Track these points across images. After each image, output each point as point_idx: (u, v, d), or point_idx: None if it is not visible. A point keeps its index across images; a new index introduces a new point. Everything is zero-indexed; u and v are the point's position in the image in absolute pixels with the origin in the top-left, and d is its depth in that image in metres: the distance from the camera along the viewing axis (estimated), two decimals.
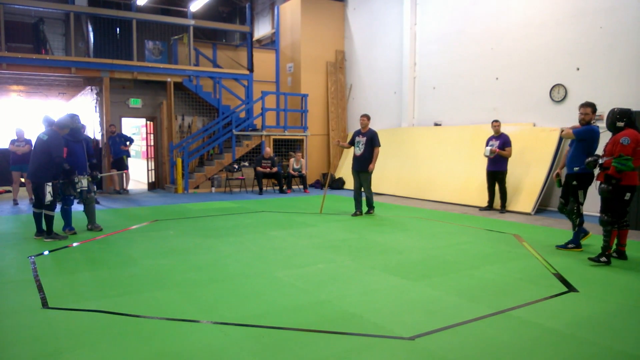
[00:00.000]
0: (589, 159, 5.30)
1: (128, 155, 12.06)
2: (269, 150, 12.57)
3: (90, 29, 13.58)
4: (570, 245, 5.80)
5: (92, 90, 13.62)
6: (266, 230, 7.10)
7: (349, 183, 13.28)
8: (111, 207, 9.53)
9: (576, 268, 5.00)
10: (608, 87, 8.35)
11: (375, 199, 8.94)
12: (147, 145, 13.90)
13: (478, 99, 10.76)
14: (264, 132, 13.30)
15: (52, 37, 14.75)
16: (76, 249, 5.88)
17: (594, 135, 5.59)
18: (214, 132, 13.14)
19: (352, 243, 6.24)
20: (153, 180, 13.30)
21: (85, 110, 14.52)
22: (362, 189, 8.58)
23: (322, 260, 5.28)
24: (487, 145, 9.08)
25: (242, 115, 13.41)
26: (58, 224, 6.59)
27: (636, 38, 7.99)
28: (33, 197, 6.62)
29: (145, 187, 13.58)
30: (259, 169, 12.30)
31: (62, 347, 3.07)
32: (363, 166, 8.39)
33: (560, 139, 8.87)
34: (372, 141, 8.35)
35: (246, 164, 13.38)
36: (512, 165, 9.00)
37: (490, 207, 9.18)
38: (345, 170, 13.69)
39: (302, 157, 13.44)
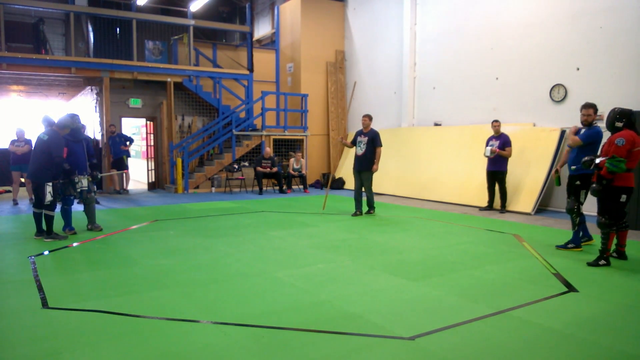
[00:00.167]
0: (585, 158, 5.31)
1: (128, 155, 12.06)
2: (269, 150, 12.57)
3: (90, 29, 13.58)
4: (570, 245, 5.80)
5: (92, 90, 13.62)
6: (266, 230, 7.10)
7: (349, 183, 13.29)
8: (111, 207, 9.53)
9: (576, 268, 5.00)
10: (608, 87, 8.35)
11: (375, 198, 8.95)
12: (147, 145, 13.90)
13: (478, 99, 10.76)
14: (264, 132, 13.30)
15: (52, 37, 14.75)
16: (76, 249, 5.88)
17: (600, 137, 5.60)
18: (214, 132, 13.14)
19: (352, 243, 6.24)
20: (153, 180, 13.31)
21: (85, 110, 14.52)
22: (363, 189, 8.59)
23: (322, 260, 5.28)
24: (487, 145, 9.08)
25: (242, 115, 13.41)
26: (58, 224, 6.59)
27: (636, 38, 7.99)
28: (33, 197, 6.63)
29: (145, 187, 13.58)
30: (259, 169, 12.30)
31: (62, 347, 3.07)
32: (364, 166, 8.40)
33: (560, 139, 8.88)
34: (373, 141, 8.36)
35: (246, 164, 13.38)
36: (512, 165, 9.01)
37: (490, 207, 9.18)
38: (345, 171, 13.70)
39: (302, 157, 13.45)
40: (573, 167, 5.66)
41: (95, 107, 13.36)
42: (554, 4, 9.20)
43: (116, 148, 11.78)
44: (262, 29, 18.22)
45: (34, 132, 7.40)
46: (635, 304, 3.95)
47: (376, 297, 4.08)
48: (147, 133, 13.95)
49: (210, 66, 13.86)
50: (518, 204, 8.97)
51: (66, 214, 6.70)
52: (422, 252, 5.73)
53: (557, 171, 6.02)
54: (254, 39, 16.78)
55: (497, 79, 10.33)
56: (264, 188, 12.74)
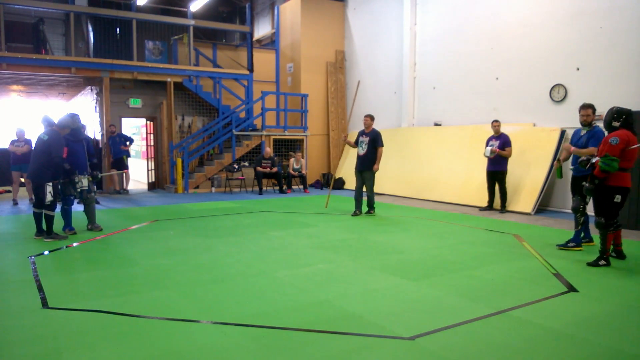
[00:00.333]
0: (582, 158, 5.31)
1: (128, 155, 12.06)
2: (269, 150, 12.57)
3: (90, 29, 13.58)
4: (570, 244, 5.80)
5: (92, 90, 13.63)
6: (266, 230, 7.10)
7: (349, 183, 13.29)
8: (111, 207, 9.53)
9: (576, 268, 5.00)
10: (608, 87, 8.35)
11: (375, 198, 8.94)
12: (147, 145, 13.90)
13: (478, 99, 10.76)
14: (264, 132, 13.30)
15: (52, 37, 14.75)
16: (76, 249, 5.88)
17: (603, 135, 5.59)
18: (214, 132, 13.14)
19: (352, 243, 6.24)
20: (153, 180, 13.31)
21: (85, 110, 14.52)
22: (364, 189, 8.62)
23: (322, 260, 5.28)
24: (487, 145, 9.08)
25: (242, 115, 13.41)
26: (58, 224, 6.59)
27: (636, 38, 7.99)
28: (33, 197, 6.63)
29: (145, 187, 13.58)
30: (259, 169, 12.30)
31: (62, 347, 3.07)
32: (365, 166, 8.46)
33: (560, 139, 8.88)
34: (374, 141, 8.40)
35: (246, 164, 13.38)
36: (512, 165, 9.00)
37: (490, 207, 9.18)
38: (345, 171, 13.70)
39: (302, 157, 13.45)
40: (572, 168, 5.66)
41: (95, 107, 13.36)
42: (554, 4, 9.20)
43: (116, 148, 11.78)
44: (262, 29, 18.22)
45: (34, 132, 7.40)
46: (635, 304, 3.95)
47: (376, 297, 4.08)
48: (147, 133, 13.95)
49: (210, 66, 13.86)
50: (518, 204, 8.97)
51: (66, 214, 6.70)
52: (422, 252, 5.73)
53: (558, 160, 5.96)
54: (254, 39, 16.78)
55: (497, 79, 10.33)
56: (264, 188, 12.74)
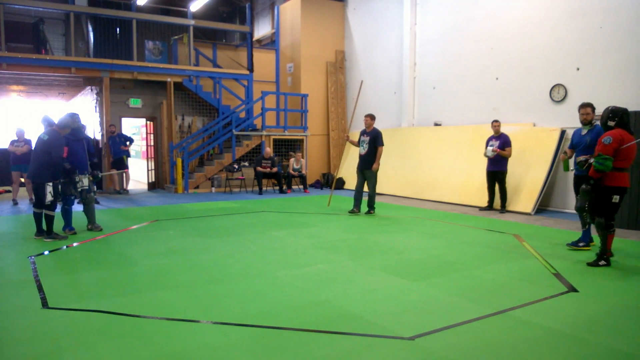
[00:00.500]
0: (580, 158, 5.30)
1: (128, 155, 12.06)
2: (269, 150, 12.57)
3: (90, 29, 13.58)
4: (581, 244, 5.78)
5: (92, 90, 13.63)
6: (266, 230, 7.10)
7: (349, 183, 13.29)
8: (111, 207, 9.53)
9: (576, 268, 5.00)
10: (608, 87, 8.35)
11: (376, 198, 8.95)
12: (147, 145, 13.90)
13: (478, 99, 10.76)
14: (264, 132, 13.30)
15: (52, 37, 14.75)
16: (76, 249, 5.88)
17: None
18: (214, 132, 13.14)
19: (352, 243, 6.24)
20: (153, 180, 13.31)
21: (85, 110, 14.52)
22: (365, 189, 8.70)
23: (322, 260, 5.28)
24: (487, 145, 9.08)
25: (242, 115, 13.41)
26: (58, 224, 6.59)
27: (636, 38, 7.99)
28: (33, 197, 6.62)
29: (145, 187, 13.58)
30: (259, 169, 12.30)
31: (62, 347, 3.07)
32: (366, 165, 8.59)
33: (560, 139, 8.88)
34: (374, 141, 8.50)
35: (246, 164, 13.38)
36: (512, 165, 9.00)
37: (490, 207, 9.18)
38: (345, 171, 13.70)
39: (302, 157, 13.45)
40: (572, 169, 5.65)
41: (95, 107, 13.36)
42: (554, 4, 9.19)
43: (116, 148, 11.78)
44: (262, 29, 18.22)
45: (34, 132, 7.40)
46: (634, 304, 3.95)
47: (376, 297, 4.08)
48: (147, 133, 13.95)
49: (210, 66, 13.86)
50: (518, 204, 8.97)
51: (66, 214, 6.70)
52: (422, 252, 5.73)
53: (565, 153, 5.92)
54: (254, 39, 16.79)
55: (497, 79, 10.33)
56: (264, 188, 12.74)
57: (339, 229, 7.28)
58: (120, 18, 12.43)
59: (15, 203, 9.87)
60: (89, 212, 7.00)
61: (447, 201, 10.38)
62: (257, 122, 13.56)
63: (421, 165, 11.52)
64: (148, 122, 13.49)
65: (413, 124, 12.54)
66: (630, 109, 7.39)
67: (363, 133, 8.74)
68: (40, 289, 4.24)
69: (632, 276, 4.75)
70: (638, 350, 3.06)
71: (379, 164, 8.51)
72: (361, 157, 8.69)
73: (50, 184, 6.17)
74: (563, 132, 8.93)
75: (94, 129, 13.48)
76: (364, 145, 8.60)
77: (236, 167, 13.09)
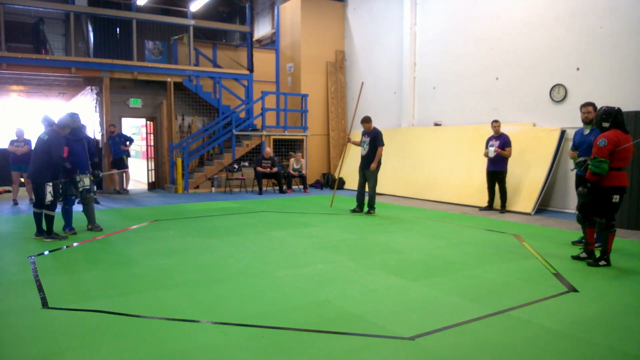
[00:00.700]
0: (579, 159, 5.30)
1: (128, 155, 12.06)
2: (269, 150, 12.57)
3: (90, 29, 13.58)
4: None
5: (92, 90, 13.62)
6: (266, 230, 7.10)
7: (349, 183, 13.29)
8: (111, 207, 9.53)
9: (576, 268, 5.00)
10: (608, 87, 8.35)
11: (376, 198, 8.96)
12: (147, 145, 13.90)
13: (478, 99, 10.76)
14: (264, 132, 13.30)
15: (52, 37, 14.76)
16: (76, 249, 5.88)
17: None
18: (214, 132, 13.14)
19: (352, 243, 6.24)
20: (153, 180, 13.31)
21: (85, 110, 14.52)
22: (366, 188, 8.76)
23: (322, 260, 5.28)
24: (487, 145, 9.08)
25: (242, 115, 13.41)
26: (58, 224, 6.59)
27: (636, 38, 7.99)
28: (33, 197, 6.62)
29: (145, 187, 13.58)
30: (259, 169, 12.30)
31: (62, 347, 3.07)
32: (367, 165, 8.71)
33: (560, 139, 8.88)
34: (374, 141, 8.60)
35: (246, 164, 13.38)
36: (512, 165, 9.00)
37: (490, 207, 9.18)
38: (345, 171, 13.70)
39: (302, 157, 13.45)
40: (572, 169, 5.65)
41: (95, 107, 13.35)
42: (554, 4, 9.19)
43: (116, 148, 11.78)
44: (262, 29, 18.22)
45: (34, 132, 7.40)
46: (635, 304, 3.94)
47: (376, 297, 4.08)
48: (147, 133, 13.95)
49: (210, 66, 13.86)
50: (518, 204, 8.97)
51: (67, 214, 6.70)
52: (422, 252, 5.73)
53: (575, 150, 5.86)
54: (254, 39, 16.78)
55: (497, 79, 10.33)
56: (264, 188, 12.74)
57: (339, 229, 7.28)
58: (120, 18, 12.43)
59: (16, 203, 9.87)
60: (88, 212, 7.00)
61: (447, 201, 10.38)
62: (257, 122, 13.56)
63: (421, 165, 11.52)
64: (148, 122, 13.49)
65: (413, 124, 12.54)
66: (630, 109, 7.43)
67: (364, 134, 8.85)
68: (40, 289, 4.24)
69: (632, 276, 4.75)
70: (638, 350, 3.06)
71: (376, 164, 8.58)
72: (362, 157, 8.82)
73: (50, 184, 6.17)
74: (563, 132, 8.93)
75: (94, 129, 13.47)
76: (365, 146, 8.74)
77: (236, 167, 13.09)
